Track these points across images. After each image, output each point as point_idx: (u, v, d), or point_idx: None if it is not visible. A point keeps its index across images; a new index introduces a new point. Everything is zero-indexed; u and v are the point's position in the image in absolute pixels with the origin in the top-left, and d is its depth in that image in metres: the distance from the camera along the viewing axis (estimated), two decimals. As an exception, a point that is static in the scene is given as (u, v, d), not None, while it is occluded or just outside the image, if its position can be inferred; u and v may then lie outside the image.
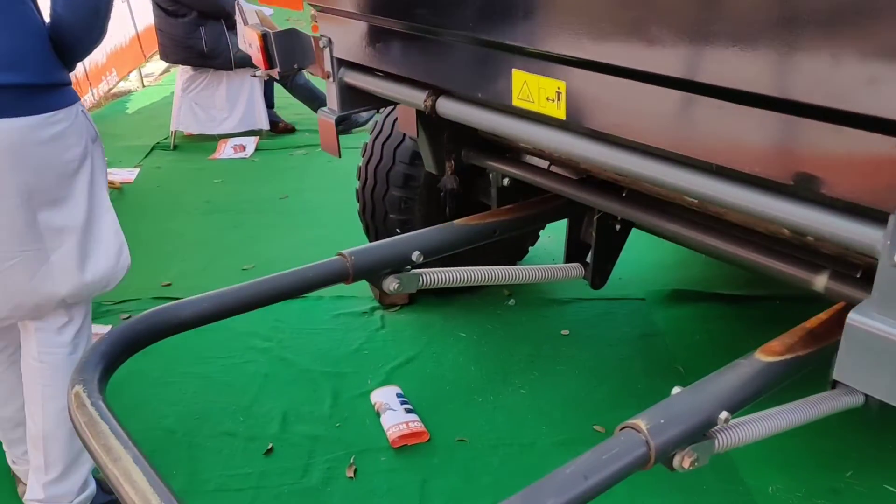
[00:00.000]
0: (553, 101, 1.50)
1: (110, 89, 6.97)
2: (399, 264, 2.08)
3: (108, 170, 2.31)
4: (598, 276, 2.61)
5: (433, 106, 1.85)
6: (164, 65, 7.86)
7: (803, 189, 1.17)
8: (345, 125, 5.57)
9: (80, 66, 5.19)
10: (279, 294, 1.87)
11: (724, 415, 1.43)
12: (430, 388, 2.63)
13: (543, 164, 2.47)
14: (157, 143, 5.43)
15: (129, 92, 7.28)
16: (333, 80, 2.09)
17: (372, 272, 2.03)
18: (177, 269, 3.50)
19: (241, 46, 2.43)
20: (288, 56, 2.22)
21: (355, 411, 2.52)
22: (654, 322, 3.05)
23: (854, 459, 2.28)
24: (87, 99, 6.16)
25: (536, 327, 3.01)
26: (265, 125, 5.48)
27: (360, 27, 1.93)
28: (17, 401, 1.99)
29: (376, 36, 1.88)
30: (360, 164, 3.01)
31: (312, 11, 2.06)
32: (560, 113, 1.49)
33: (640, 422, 1.34)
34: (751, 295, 3.20)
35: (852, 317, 1.14)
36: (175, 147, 5.33)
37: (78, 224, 1.77)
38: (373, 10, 1.83)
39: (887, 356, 1.11)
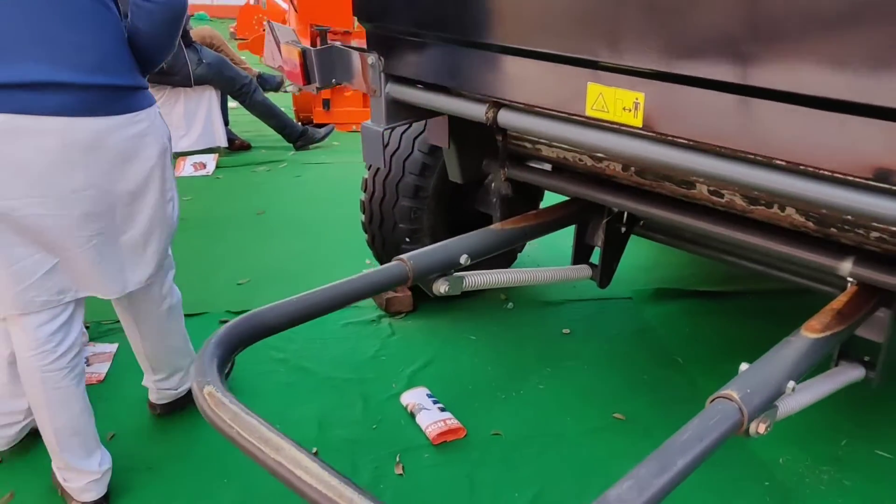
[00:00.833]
0: (630, 110, 1.67)
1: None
2: (448, 267, 2.20)
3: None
4: (605, 275, 2.81)
5: (495, 118, 2.00)
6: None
7: (881, 181, 1.39)
8: (303, 141, 5.63)
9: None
10: (350, 297, 1.97)
11: (791, 384, 1.63)
12: (454, 388, 2.74)
13: (546, 166, 2.65)
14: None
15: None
16: (380, 95, 2.21)
17: (427, 275, 2.14)
18: (173, 287, 3.48)
19: (269, 63, 2.51)
20: (327, 72, 2.31)
21: (387, 414, 2.61)
22: (645, 318, 3.28)
23: (845, 430, 2.54)
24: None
25: (538, 328, 3.18)
26: (223, 142, 5.46)
27: (416, 45, 2.05)
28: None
29: (435, 53, 2.01)
30: (367, 176, 3.11)
31: (359, 28, 2.17)
32: (637, 121, 1.67)
33: (732, 392, 1.52)
34: (726, 291, 3.49)
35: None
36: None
37: (147, 215, 1.98)
38: (436, 27, 1.97)
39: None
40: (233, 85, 5.27)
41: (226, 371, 2.67)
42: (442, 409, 2.57)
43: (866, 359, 2.09)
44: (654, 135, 1.69)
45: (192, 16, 7.70)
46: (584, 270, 2.79)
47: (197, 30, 5.51)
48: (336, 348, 3.00)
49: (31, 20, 1.66)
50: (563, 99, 1.78)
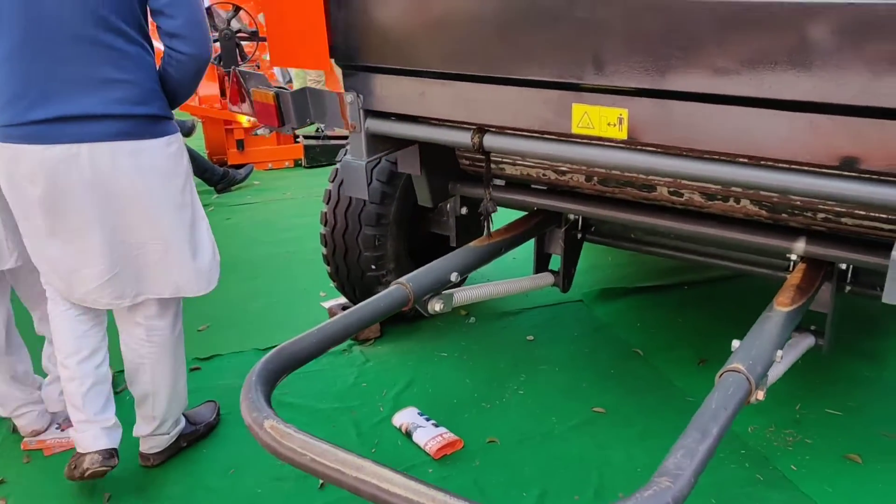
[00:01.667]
0: (615, 125, 1.86)
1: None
2: (442, 286, 2.33)
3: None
4: (567, 280, 3.01)
5: (481, 142, 2.14)
6: None
7: (848, 168, 1.63)
8: (224, 183, 5.60)
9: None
10: (362, 324, 2.07)
11: (779, 353, 1.86)
12: (440, 404, 2.85)
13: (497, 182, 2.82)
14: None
15: None
16: (360, 131, 2.31)
17: (424, 295, 2.26)
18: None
19: (235, 108, 2.56)
20: (302, 113, 2.40)
21: (383, 436, 2.69)
22: (598, 318, 3.50)
23: (798, 396, 2.83)
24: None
25: (503, 337, 3.34)
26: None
27: (398, 80, 2.18)
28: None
29: (419, 86, 2.14)
30: (325, 209, 3.18)
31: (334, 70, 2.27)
32: (623, 135, 1.85)
33: (739, 365, 1.71)
34: (665, 284, 3.77)
35: (894, 254, 1.60)
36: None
37: (188, 224, 2.27)
38: (417, 63, 2.10)
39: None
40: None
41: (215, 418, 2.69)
42: (436, 425, 2.67)
43: (813, 328, 2.35)
44: (639, 145, 1.88)
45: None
46: (547, 278, 2.97)
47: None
48: (315, 381, 3.04)
49: (90, 64, 2.01)
50: (549, 120, 1.95)
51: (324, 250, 3.26)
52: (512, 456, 2.56)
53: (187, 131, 6.19)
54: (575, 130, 1.92)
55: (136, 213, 2.16)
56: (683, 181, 2.24)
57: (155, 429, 2.48)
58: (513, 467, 2.51)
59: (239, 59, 5.78)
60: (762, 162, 1.79)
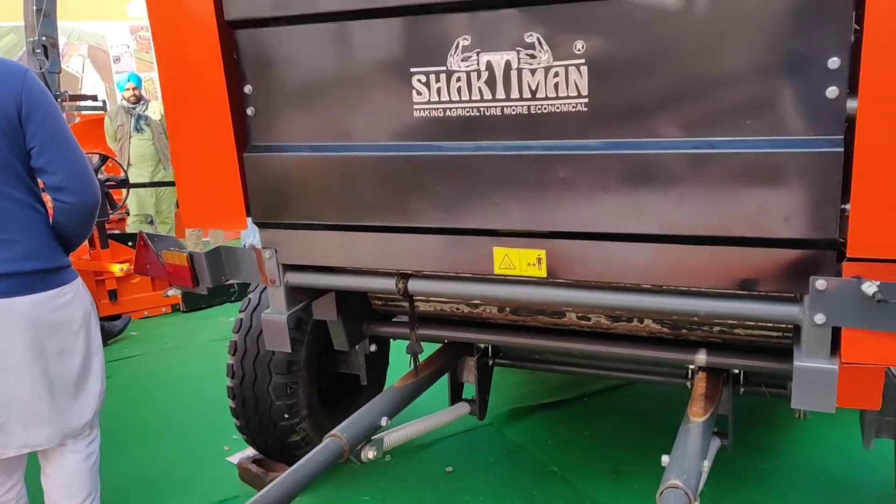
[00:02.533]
0: (534, 265, 2.00)
1: None
2: (373, 432, 2.33)
3: None
4: (482, 407, 3.08)
5: (405, 287, 2.22)
6: None
7: (743, 290, 1.83)
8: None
9: None
10: (305, 480, 2.03)
11: (706, 463, 2.00)
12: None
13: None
14: None
15: None
16: (280, 285, 2.33)
17: (357, 444, 2.25)
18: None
19: (141, 271, 2.51)
20: (217, 272, 2.39)
21: None
22: (511, 440, 3.56)
23: (711, 497, 2.98)
24: None
25: (423, 472, 3.31)
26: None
27: (318, 234, 2.23)
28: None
29: (341, 240, 2.20)
30: (231, 361, 3.11)
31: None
32: (542, 273, 2.00)
33: (676, 481, 1.83)
34: (566, 398, 3.92)
35: (798, 364, 1.79)
36: None
37: (77, 369, 2.33)
38: (339, 218, 2.17)
39: (822, 381, 1.78)
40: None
41: None
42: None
43: (716, 430, 2.53)
44: (557, 281, 2.03)
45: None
46: (464, 408, 3.03)
47: None
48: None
49: None
50: (472, 263, 2.07)
51: (231, 403, 3.15)
52: None
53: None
54: (497, 271, 2.04)
55: (26, 362, 2.21)
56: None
57: None
58: None
59: (109, 208, 5.64)
60: (663, 288, 1.99)
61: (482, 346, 2.95)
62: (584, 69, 1.80)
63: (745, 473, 3.13)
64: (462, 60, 1.91)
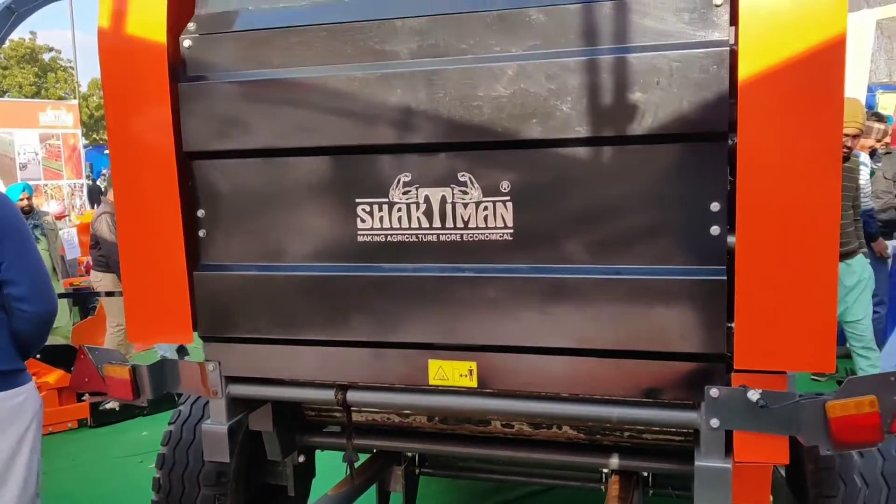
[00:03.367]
0: (466, 376, 2.21)
1: None
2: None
3: None
4: (409, 517, 3.18)
5: (344, 398, 2.36)
6: None
7: (649, 398, 2.09)
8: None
9: None
10: None
11: None
12: None
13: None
14: None
15: None
16: (221, 397, 2.44)
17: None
18: None
19: (78, 386, 2.56)
20: (159, 384, 2.48)
21: None
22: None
23: None
24: None
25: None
26: None
27: (261, 348, 2.38)
28: None
29: (283, 352, 2.35)
30: (158, 475, 3.11)
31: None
32: (473, 383, 2.20)
33: None
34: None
35: (699, 464, 2.04)
36: None
37: (24, 461, 2.49)
38: (282, 332, 2.33)
39: (719, 479, 2.03)
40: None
41: None
42: None
43: None
44: (485, 391, 2.24)
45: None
46: (391, 517, 3.12)
47: None
48: None
49: None
50: (408, 374, 2.26)
51: (158, 519, 3.13)
52: None
53: None
54: (431, 382, 2.23)
55: None
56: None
57: None
58: None
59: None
60: (580, 396, 2.22)
61: (409, 454, 3.09)
62: (510, 205, 2.09)
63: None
64: (403, 193, 2.16)
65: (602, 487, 2.94)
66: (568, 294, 2.09)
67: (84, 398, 6.09)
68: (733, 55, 1.88)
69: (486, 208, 2.11)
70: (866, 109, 6.29)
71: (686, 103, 1.92)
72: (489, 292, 2.14)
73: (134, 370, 2.46)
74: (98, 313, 7.20)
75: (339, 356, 2.31)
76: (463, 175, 2.11)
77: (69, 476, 4.90)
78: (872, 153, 6.80)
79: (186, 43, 2.29)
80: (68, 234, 8.83)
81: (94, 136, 29.31)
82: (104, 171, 15.35)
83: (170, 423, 3.22)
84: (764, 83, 1.85)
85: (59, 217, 10.03)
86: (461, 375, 2.21)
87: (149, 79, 2.26)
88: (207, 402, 3.09)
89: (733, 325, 1.95)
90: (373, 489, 3.17)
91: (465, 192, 2.12)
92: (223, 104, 2.27)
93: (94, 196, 15.15)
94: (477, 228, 2.13)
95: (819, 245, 1.87)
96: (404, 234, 2.19)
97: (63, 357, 5.75)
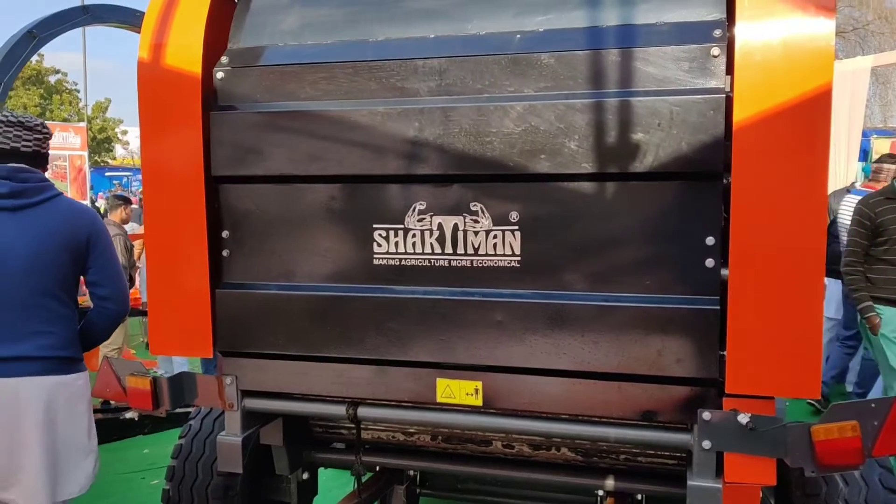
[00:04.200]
0: (472, 395, 2.33)
1: None
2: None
3: None
4: (410, 535, 3.27)
5: (355, 413, 2.48)
6: None
7: (645, 420, 2.21)
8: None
9: None
10: None
11: None
12: None
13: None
14: None
15: None
16: (237, 409, 2.55)
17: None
18: None
19: (100, 394, 2.68)
20: (178, 396, 2.60)
21: None
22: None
23: None
24: None
25: None
26: None
27: (278, 364, 2.50)
28: None
29: (299, 368, 2.48)
30: (167, 487, 3.21)
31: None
32: (478, 402, 2.32)
33: None
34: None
35: (691, 483, 2.16)
36: None
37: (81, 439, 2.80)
38: (299, 349, 2.46)
39: (710, 498, 2.14)
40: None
41: None
42: None
43: None
44: (490, 410, 2.36)
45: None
46: (393, 536, 3.21)
47: None
48: None
49: (28, 320, 2.65)
50: (418, 392, 2.38)
51: (164, 533, 3.22)
52: None
53: None
54: (439, 400, 2.36)
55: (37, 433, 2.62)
56: (514, 435, 2.72)
57: None
58: None
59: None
60: (580, 417, 2.34)
61: (411, 474, 3.19)
62: (518, 234, 2.23)
63: None
64: (418, 221, 2.31)
65: (598, 510, 3.04)
66: (571, 319, 2.22)
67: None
68: (729, 101, 2.04)
69: (495, 236, 2.25)
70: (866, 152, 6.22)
71: (685, 144, 2.08)
72: (496, 316, 2.27)
73: (154, 382, 2.58)
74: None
75: (351, 373, 2.44)
76: (475, 205, 2.26)
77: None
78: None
79: (219, 75, 2.45)
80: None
81: (96, 157, 29.55)
82: (113, 191, 15.43)
83: (180, 437, 3.32)
84: (757, 127, 2.01)
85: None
86: (467, 394, 2.33)
87: (183, 107, 2.42)
88: (217, 418, 3.23)
89: (725, 352, 2.08)
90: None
91: (476, 221, 2.26)
92: (251, 132, 2.42)
93: (97, 217, 15.26)
94: (486, 255, 2.27)
95: (805, 279, 2.01)
96: (418, 259, 2.33)
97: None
